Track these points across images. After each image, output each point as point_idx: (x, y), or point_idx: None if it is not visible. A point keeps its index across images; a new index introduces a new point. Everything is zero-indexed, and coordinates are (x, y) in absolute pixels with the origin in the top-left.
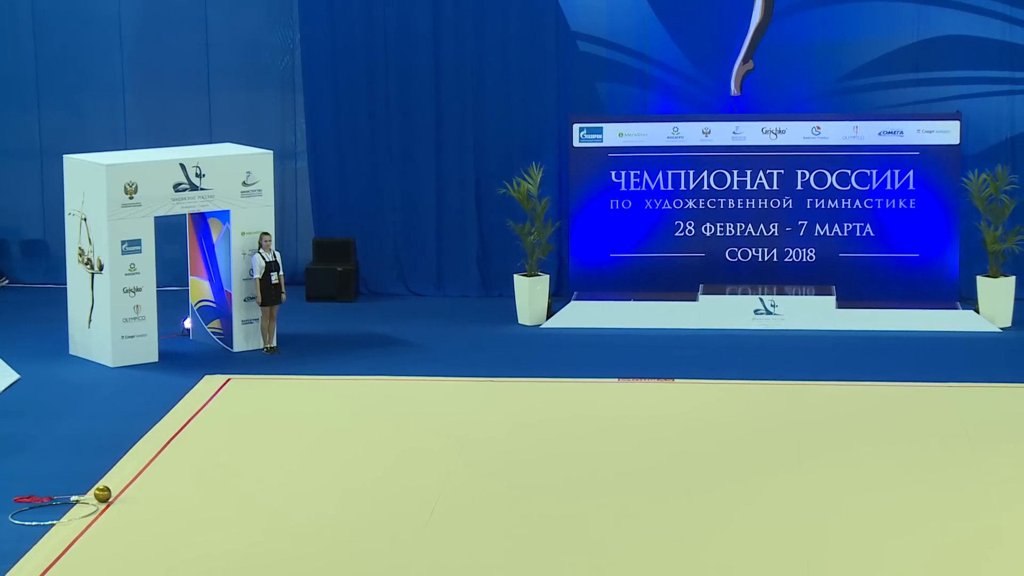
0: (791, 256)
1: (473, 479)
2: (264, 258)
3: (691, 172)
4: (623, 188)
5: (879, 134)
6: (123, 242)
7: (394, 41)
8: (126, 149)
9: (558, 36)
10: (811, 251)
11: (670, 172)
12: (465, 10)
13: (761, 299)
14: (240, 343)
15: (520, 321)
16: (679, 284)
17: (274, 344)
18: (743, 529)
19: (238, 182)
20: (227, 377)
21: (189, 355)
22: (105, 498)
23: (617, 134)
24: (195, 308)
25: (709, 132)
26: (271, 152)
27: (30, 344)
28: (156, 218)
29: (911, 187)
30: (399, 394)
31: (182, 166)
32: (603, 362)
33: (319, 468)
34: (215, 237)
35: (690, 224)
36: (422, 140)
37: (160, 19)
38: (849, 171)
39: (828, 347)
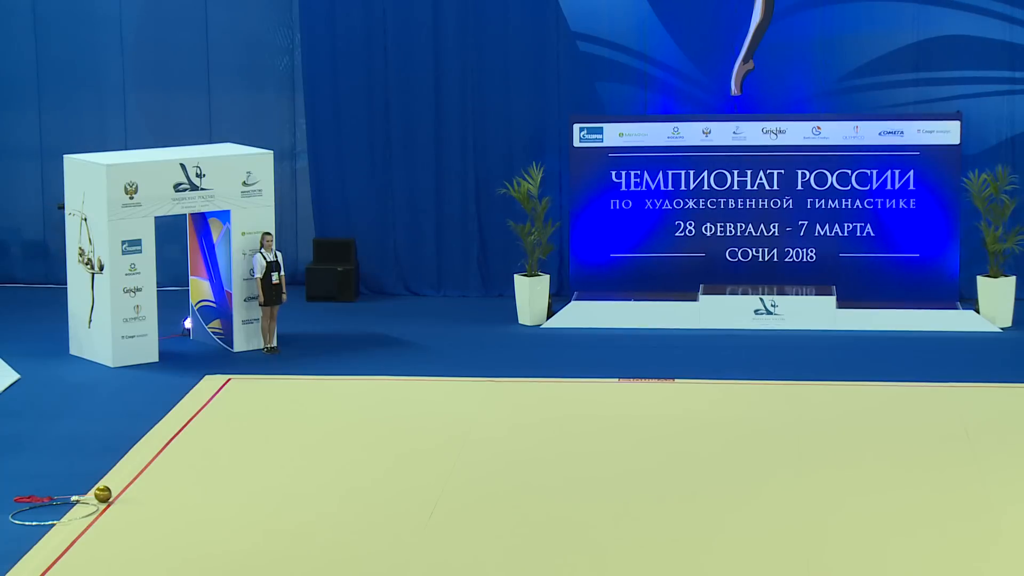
0: (791, 256)
1: (473, 479)
2: (265, 258)
3: (691, 172)
4: (623, 188)
5: (879, 134)
6: (123, 242)
7: (394, 41)
8: (126, 149)
9: (558, 36)
10: (811, 251)
11: (670, 172)
12: (465, 10)
13: (761, 299)
14: (240, 343)
15: (520, 321)
16: (679, 284)
17: (274, 344)
18: (743, 529)
19: (238, 182)
20: (227, 377)
21: (189, 355)
22: (105, 498)
23: (617, 134)
24: (195, 308)
25: (709, 132)
26: (271, 152)
27: (30, 344)
28: (156, 218)
29: (911, 187)
30: (399, 394)
31: (182, 166)
32: (603, 362)
33: (319, 468)
34: (215, 237)
35: (690, 224)
36: (422, 140)
37: (160, 19)
38: (849, 171)
39: (828, 347)
